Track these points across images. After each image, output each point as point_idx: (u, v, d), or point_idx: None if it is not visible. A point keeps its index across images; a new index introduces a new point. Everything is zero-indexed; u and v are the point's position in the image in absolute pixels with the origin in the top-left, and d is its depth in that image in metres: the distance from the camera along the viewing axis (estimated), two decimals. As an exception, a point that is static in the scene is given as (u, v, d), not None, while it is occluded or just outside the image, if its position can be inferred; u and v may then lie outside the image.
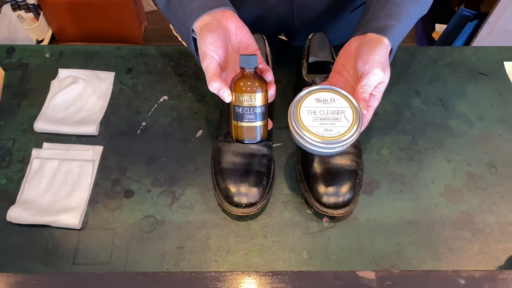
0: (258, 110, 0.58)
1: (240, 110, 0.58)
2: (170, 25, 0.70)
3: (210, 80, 0.55)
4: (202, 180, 0.69)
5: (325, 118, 0.56)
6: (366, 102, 0.56)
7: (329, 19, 0.82)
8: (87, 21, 1.92)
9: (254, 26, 0.68)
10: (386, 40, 0.58)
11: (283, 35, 0.84)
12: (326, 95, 0.57)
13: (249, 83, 0.57)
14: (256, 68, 0.58)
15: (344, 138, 0.54)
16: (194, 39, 0.60)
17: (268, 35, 0.77)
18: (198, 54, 0.59)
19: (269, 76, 0.60)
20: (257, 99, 0.58)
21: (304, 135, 0.55)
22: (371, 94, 0.58)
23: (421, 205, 0.67)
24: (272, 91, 0.59)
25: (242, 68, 0.58)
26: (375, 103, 0.58)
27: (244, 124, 0.59)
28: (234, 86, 0.58)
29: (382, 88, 0.58)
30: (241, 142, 0.62)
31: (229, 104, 0.59)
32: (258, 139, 0.61)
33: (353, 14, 0.82)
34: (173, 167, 0.70)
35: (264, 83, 0.58)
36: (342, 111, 0.56)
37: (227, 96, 0.56)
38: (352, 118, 0.56)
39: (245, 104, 0.58)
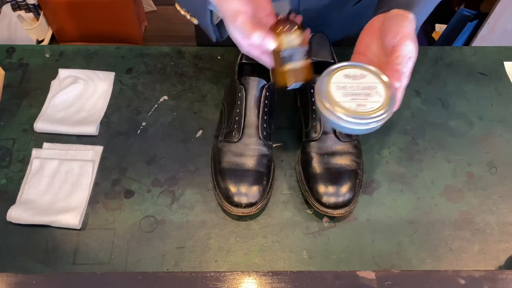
0: (300, 51, 0.58)
1: (282, 53, 0.58)
2: (177, 5, 0.69)
3: (250, 32, 0.54)
4: (202, 180, 0.69)
5: (357, 94, 0.53)
6: (400, 73, 0.53)
7: (334, 12, 0.81)
8: (87, 21, 1.92)
9: None
10: (411, 15, 0.56)
11: None
12: (355, 71, 0.55)
13: (288, 25, 0.57)
14: (290, 12, 0.58)
15: (379, 113, 0.51)
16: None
17: None
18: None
19: (299, 21, 0.59)
20: (297, 40, 0.57)
21: (335, 112, 0.52)
22: None
23: (421, 205, 0.67)
24: (306, 33, 0.59)
25: (276, 15, 0.58)
26: (405, 81, 0.55)
27: (288, 67, 0.58)
28: (272, 33, 0.57)
29: (411, 64, 0.55)
30: (286, 88, 0.61)
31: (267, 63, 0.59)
32: (303, 81, 0.59)
33: (356, 7, 0.82)
34: (173, 167, 0.70)
35: (300, 25, 0.58)
36: (374, 87, 0.54)
37: (271, 43, 0.56)
38: (384, 94, 0.53)
39: (286, 46, 0.57)
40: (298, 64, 0.59)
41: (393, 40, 0.54)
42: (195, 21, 0.65)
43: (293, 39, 0.58)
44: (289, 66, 0.58)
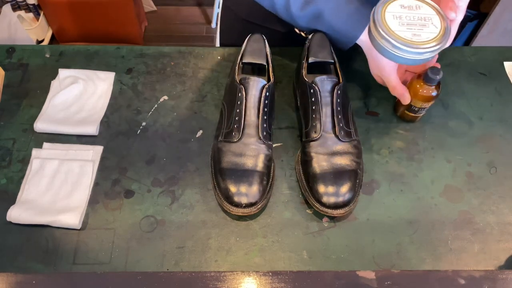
0: (425, 110, 0.72)
1: (412, 107, 0.71)
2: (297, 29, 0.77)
3: (394, 85, 0.68)
4: (202, 180, 0.69)
5: (412, 24, 0.54)
6: (455, 5, 0.54)
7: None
8: (87, 21, 1.92)
9: (274, 17, 0.69)
10: None
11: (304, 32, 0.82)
12: (411, 1, 0.56)
13: (431, 94, 0.67)
14: (439, 84, 0.67)
15: (434, 44, 0.52)
16: None
17: (286, 29, 0.78)
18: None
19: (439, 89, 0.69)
20: (429, 105, 0.70)
21: (391, 39, 0.52)
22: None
23: (421, 205, 0.67)
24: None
25: (426, 79, 0.66)
26: (460, 15, 0.56)
27: (409, 113, 0.73)
28: (412, 88, 0.68)
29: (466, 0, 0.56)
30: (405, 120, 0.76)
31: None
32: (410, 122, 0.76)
33: None
34: (173, 167, 0.70)
35: (438, 94, 0.68)
36: (430, 18, 0.54)
37: (407, 100, 0.69)
38: (440, 25, 0.54)
39: (419, 107, 0.70)
40: (417, 115, 0.73)
41: None
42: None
43: (427, 105, 0.70)
44: (411, 113, 0.72)
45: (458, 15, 0.56)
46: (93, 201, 0.66)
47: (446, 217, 0.66)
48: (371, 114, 0.77)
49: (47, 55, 0.84)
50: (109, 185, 0.68)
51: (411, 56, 0.53)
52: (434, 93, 0.68)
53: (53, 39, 2.01)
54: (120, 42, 2.00)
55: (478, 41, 1.63)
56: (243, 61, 0.73)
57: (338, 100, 0.66)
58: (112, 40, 1.99)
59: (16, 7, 1.85)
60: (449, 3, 0.53)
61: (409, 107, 0.71)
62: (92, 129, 0.72)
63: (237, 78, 0.70)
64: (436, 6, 0.56)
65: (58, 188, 0.66)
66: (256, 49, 0.74)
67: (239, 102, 0.67)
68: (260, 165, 0.64)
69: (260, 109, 0.66)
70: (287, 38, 0.83)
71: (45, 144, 0.71)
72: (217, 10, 2.04)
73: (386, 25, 0.53)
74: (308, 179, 0.65)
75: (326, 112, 0.66)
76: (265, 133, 0.66)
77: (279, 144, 0.73)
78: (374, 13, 0.55)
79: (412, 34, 0.53)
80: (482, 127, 0.76)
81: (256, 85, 0.66)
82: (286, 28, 0.80)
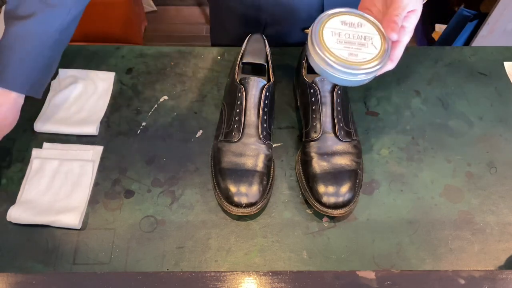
0: None
1: None
2: None
3: None
4: (202, 180, 0.69)
5: (351, 42, 0.50)
6: (397, 25, 0.50)
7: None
8: (87, 21, 1.91)
9: (284, 16, 0.69)
10: None
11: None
12: (353, 18, 0.52)
13: None
14: None
15: (369, 66, 0.49)
16: None
17: (295, 28, 0.77)
18: None
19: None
20: None
21: (325, 57, 0.49)
22: (401, 26, 0.52)
23: (421, 205, 0.67)
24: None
25: None
26: (406, 37, 0.52)
27: None
28: None
29: (414, 19, 0.51)
30: None
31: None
32: None
33: None
34: (173, 167, 0.70)
35: None
36: (370, 38, 0.51)
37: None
38: (380, 46, 0.51)
39: None
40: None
41: None
42: None
43: None
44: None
45: (403, 36, 0.52)
46: (93, 201, 0.66)
47: (446, 217, 0.66)
48: (371, 114, 0.77)
49: (47, 55, 0.84)
50: (109, 185, 0.68)
51: (344, 76, 0.50)
52: None
53: (53, 39, 2.01)
54: (120, 42, 1.99)
55: (478, 41, 1.63)
56: (243, 61, 0.73)
57: (338, 100, 0.67)
58: (112, 40, 1.99)
59: (16, 7, 1.84)
60: (390, 24, 0.50)
61: None
62: (92, 129, 0.72)
63: (237, 78, 0.70)
64: (379, 25, 0.52)
65: (58, 188, 0.66)
66: (256, 49, 0.74)
67: (239, 102, 0.67)
68: (260, 165, 0.64)
69: (260, 109, 0.66)
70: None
71: (45, 144, 0.71)
72: (217, 10, 2.04)
73: (323, 41, 0.50)
74: (308, 179, 0.65)
75: (326, 112, 0.66)
76: (265, 133, 0.66)
77: (279, 144, 0.73)
78: (313, 27, 0.51)
79: (348, 54, 0.49)
80: (482, 127, 0.76)
81: (256, 85, 0.67)
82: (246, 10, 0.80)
